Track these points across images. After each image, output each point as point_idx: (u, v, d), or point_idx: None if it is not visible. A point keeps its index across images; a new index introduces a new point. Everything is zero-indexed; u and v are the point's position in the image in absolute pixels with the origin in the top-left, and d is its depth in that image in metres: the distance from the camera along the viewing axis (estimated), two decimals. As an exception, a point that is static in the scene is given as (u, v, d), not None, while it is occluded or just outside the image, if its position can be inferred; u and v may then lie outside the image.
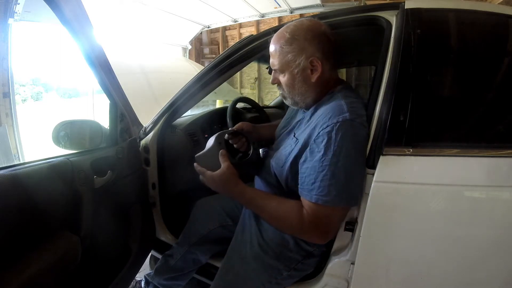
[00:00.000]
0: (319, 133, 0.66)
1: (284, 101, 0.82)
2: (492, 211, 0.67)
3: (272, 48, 0.76)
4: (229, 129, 0.90)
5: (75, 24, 0.74)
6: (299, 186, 0.69)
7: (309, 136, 0.69)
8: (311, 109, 0.77)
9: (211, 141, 0.82)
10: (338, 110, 0.67)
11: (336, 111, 0.67)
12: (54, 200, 0.70)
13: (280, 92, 0.80)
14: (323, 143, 0.64)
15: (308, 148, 0.68)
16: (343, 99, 0.70)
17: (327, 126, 0.65)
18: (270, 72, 0.81)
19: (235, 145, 0.90)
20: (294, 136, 0.78)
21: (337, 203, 0.65)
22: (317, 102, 0.77)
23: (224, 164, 0.75)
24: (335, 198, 0.64)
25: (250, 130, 0.96)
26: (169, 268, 1.05)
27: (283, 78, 0.76)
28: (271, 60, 0.77)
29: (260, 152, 0.88)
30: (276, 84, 0.80)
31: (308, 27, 0.72)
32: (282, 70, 0.75)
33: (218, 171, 0.75)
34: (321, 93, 0.76)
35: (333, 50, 0.74)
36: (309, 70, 0.72)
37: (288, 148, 0.76)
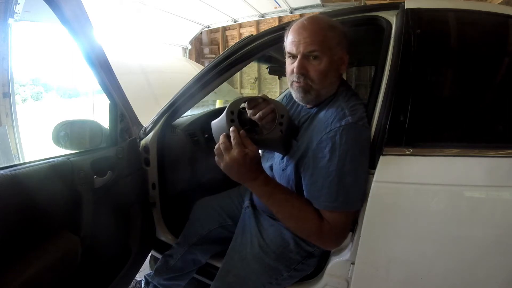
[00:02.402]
0: (322, 138, 0.65)
1: (301, 95, 0.72)
2: (492, 211, 0.67)
3: (311, 30, 0.68)
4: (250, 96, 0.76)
5: (75, 24, 0.74)
6: (305, 193, 0.69)
7: (311, 141, 0.68)
8: (312, 112, 0.76)
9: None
10: (340, 113, 0.66)
11: (338, 115, 0.66)
12: (54, 200, 0.70)
13: (301, 85, 0.70)
14: (328, 148, 0.63)
15: (311, 153, 0.67)
16: (344, 102, 0.69)
17: (330, 130, 0.64)
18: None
19: (255, 115, 0.74)
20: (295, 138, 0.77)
21: (346, 207, 0.65)
22: (327, 100, 0.75)
23: (250, 146, 0.63)
24: (344, 203, 0.64)
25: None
26: (169, 268, 1.05)
27: (318, 65, 0.68)
28: (306, 42, 0.67)
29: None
30: (300, 75, 0.69)
31: (339, 23, 0.73)
32: (323, 53, 0.68)
33: (238, 156, 0.61)
34: (335, 92, 0.75)
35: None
36: (340, 61, 0.72)
37: (289, 150, 0.76)
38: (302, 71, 0.69)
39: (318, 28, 0.68)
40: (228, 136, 0.64)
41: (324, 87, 0.72)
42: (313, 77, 0.70)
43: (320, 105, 0.75)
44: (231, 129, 0.64)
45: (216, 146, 0.65)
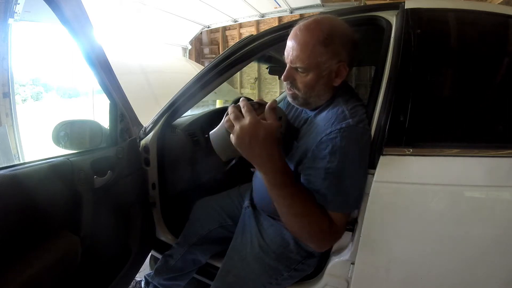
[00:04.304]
0: (321, 139, 0.65)
1: (290, 100, 0.75)
2: (492, 211, 0.67)
3: (299, 42, 0.66)
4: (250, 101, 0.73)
5: (75, 24, 0.74)
6: None
7: (311, 142, 0.68)
8: (312, 113, 0.76)
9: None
10: (341, 116, 0.66)
11: (338, 117, 0.66)
12: (54, 200, 0.70)
13: (290, 92, 0.73)
14: (327, 150, 0.63)
15: (310, 154, 0.67)
16: (344, 104, 0.69)
17: (331, 132, 0.64)
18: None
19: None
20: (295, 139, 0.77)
21: (344, 209, 0.65)
22: (326, 103, 0.74)
23: (271, 120, 0.57)
24: (343, 204, 0.64)
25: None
26: (169, 268, 1.05)
27: (304, 78, 0.68)
28: (293, 55, 0.67)
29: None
30: (287, 82, 0.71)
31: (344, 30, 0.68)
32: (308, 69, 0.67)
33: (249, 123, 0.55)
34: (333, 95, 0.73)
35: (356, 58, 0.72)
36: (334, 74, 0.69)
37: (288, 152, 0.76)
38: (289, 79, 0.70)
39: (308, 41, 0.65)
40: (237, 107, 0.58)
41: (311, 97, 0.71)
42: (299, 87, 0.70)
43: (320, 107, 0.75)
44: (241, 99, 0.60)
45: (226, 117, 0.59)
